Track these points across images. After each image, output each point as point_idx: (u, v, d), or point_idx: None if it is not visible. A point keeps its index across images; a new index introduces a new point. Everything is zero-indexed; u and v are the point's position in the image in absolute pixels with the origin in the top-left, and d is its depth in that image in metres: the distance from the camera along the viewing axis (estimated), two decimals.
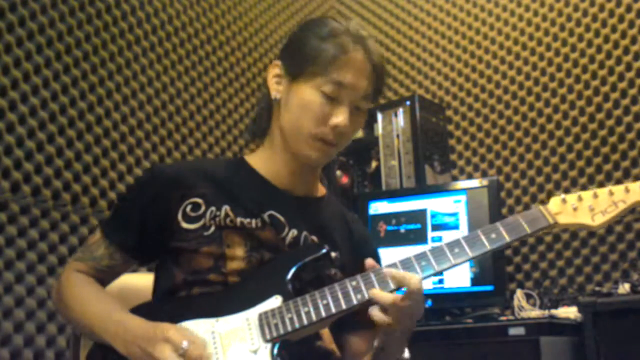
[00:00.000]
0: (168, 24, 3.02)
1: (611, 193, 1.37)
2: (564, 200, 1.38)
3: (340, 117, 1.42)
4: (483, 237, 1.36)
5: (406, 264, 1.35)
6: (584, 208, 1.37)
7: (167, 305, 1.43)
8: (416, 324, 1.39)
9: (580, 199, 1.38)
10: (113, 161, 2.69)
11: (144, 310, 1.41)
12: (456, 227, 2.78)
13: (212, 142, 3.15)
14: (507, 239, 1.35)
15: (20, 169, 2.38)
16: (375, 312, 1.31)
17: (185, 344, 1.27)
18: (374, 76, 1.46)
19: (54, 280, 2.41)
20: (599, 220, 1.36)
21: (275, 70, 1.50)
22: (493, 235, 1.35)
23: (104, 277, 1.51)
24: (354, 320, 1.48)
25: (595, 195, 1.38)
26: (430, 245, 2.79)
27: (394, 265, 1.35)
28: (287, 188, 1.51)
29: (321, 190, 1.61)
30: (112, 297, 1.47)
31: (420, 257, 1.36)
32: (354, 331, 1.53)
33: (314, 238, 1.49)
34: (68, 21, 2.60)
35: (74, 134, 2.56)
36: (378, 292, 1.31)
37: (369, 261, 1.38)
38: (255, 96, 3.43)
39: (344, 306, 1.32)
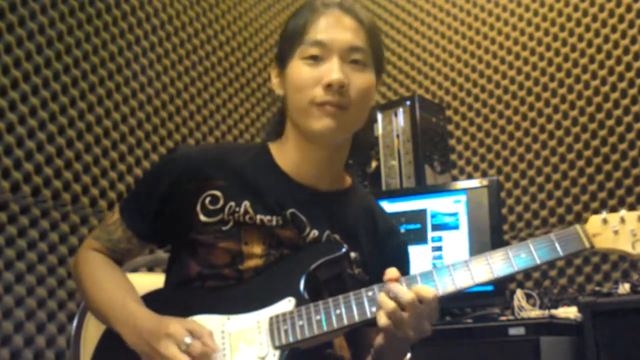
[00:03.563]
0: (168, 24, 3.02)
1: None
2: (604, 221, 1.25)
3: (331, 74, 1.36)
4: (512, 257, 1.26)
5: (427, 277, 1.29)
6: (626, 232, 1.24)
7: (179, 296, 1.42)
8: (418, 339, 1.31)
9: (622, 220, 1.25)
10: (113, 161, 2.69)
11: (157, 299, 1.41)
12: (456, 227, 2.78)
13: (212, 142, 3.15)
14: (537, 261, 1.25)
15: (20, 169, 2.38)
16: (380, 314, 1.26)
17: (187, 340, 1.25)
18: (359, 27, 1.41)
19: (55, 280, 2.41)
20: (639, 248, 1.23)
21: (273, 71, 1.49)
22: (523, 255, 1.26)
23: (120, 258, 1.50)
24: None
25: None
26: (430, 245, 2.80)
27: (414, 278, 1.29)
28: (308, 183, 1.46)
29: (347, 181, 1.55)
30: (127, 282, 1.46)
31: (441, 271, 1.29)
32: (372, 324, 1.50)
33: (336, 237, 1.45)
34: (68, 21, 2.60)
35: (74, 134, 2.56)
36: (398, 286, 1.26)
37: (390, 271, 1.30)
38: (255, 96, 3.44)
39: (357, 319, 1.28)
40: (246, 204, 1.41)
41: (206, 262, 1.40)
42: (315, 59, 1.38)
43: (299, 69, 1.39)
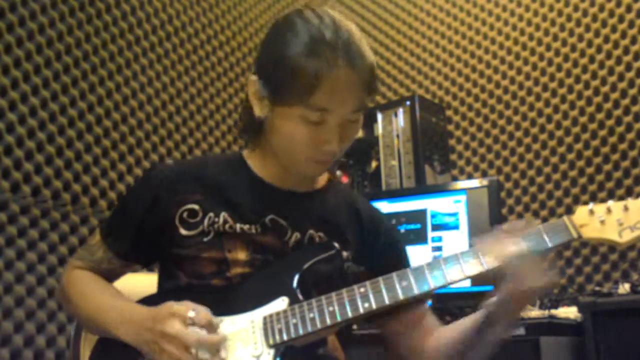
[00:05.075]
0: (168, 24, 3.02)
1: None
2: (591, 212, 1.27)
3: (331, 143, 1.34)
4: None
5: (417, 272, 1.30)
6: (612, 222, 1.25)
7: (173, 300, 1.42)
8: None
9: (609, 211, 1.26)
10: (113, 161, 2.69)
11: (151, 302, 1.40)
12: (456, 227, 2.78)
13: (212, 142, 3.15)
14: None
15: (20, 169, 2.38)
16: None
17: (191, 313, 1.26)
18: (362, 86, 1.33)
19: (55, 280, 2.41)
20: (626, 236, 1.24)
21: (254, 87, 1.39)
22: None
23: (105, 277, 1.50)
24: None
25: (626, 208, 1.25)
26: (430, 245, 2.80)
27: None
28: (287, 186, 1.47)
29: (324, 179, 1.55)
30: (114, 288, 1.47)
31: (433, 265, 1.30)
32: (398, 311, 1.48)
33: (321, 235, 1.45)
34: (68, 21, 2.60)
35: (74, 134, 2.56)
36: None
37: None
38: None
39: (349, 314, 1.28)
40: (225, 214, 1.41)
41: (194, 273, 1.41)
42: (315, 123, 1.33)
43: (297, 127, 1.34)
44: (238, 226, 1.41)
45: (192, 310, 1.27)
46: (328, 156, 1.38)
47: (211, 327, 1.27)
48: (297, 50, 1.31)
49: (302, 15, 1.35)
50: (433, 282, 1.28)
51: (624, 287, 2.51)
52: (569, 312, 2.59)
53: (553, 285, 1.30)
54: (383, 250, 1.51)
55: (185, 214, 1.42)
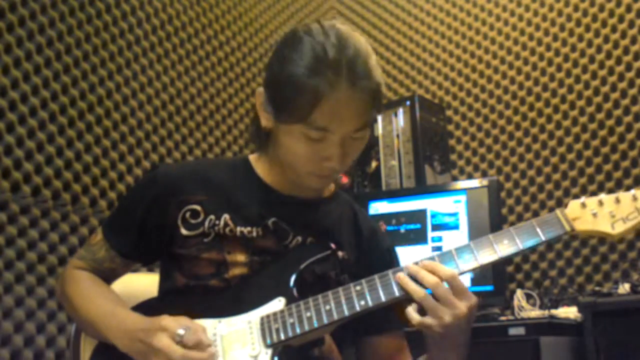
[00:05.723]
0: (168, 24, 3.02)
1: (635, 198, 1.25)
2: (583, 205, 1.28)
3: (332, 160, 1.34)
4: (494, 244, 1.28)
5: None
6: (604, 214, 1.26)
7: (170, 304, 1.42)
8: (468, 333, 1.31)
9: (600, 203, 1.27)
10: (113, 161, 2.69)
11: (148, 307, 1.41)
12: (456, 227, 2.78)
13: (212, 142, 3.15)
14: (520, 246, 1.27)
15: (20, 169, 2.38)
16: (410, 312, 1.26)
17: (181, 331, 1.26)
18: (365, 105, 1.31)
19: (55, 280, 2.41)
20: (619, 228, 1.25)
21: (260, 99, 1.41)
22: (505, 242, 1.27)
23: (105, 277, 1.51)
24: (380, 320, 1.44)
25: (617, 200, 1.27)
26: (430, 245, 2.80)
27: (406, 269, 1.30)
28: (292, 193, 1.47)
29: (330, 189, 1.56)
30: (115, 294, 1.47)
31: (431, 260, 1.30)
32: (381, 332, 1.50)
33: None
34: (68, 21, 2.60)
35: (74, 134, 2.56)
36: (407, 282, 1.26)
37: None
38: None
39: (346, 313, 1.29)
40: (226, 217, 1.42)
41: (192, 273, 1.42)
42: (316, 140, 1.32)
43: (300, 144, 1.34)
44: (238, 230, 1.42)
45: (182, 328, 1.27)
46: (330, 171, 1.38)
47: (200, 347, 1.27)
48: (299, 69, 1.30)
49: (309, 32, 1.34)
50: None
51: (624, 287, 2.51)
52: (569, 312, 2.59)
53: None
54: (378, 261, 1.51)
55: (187, 214, 1.43)
